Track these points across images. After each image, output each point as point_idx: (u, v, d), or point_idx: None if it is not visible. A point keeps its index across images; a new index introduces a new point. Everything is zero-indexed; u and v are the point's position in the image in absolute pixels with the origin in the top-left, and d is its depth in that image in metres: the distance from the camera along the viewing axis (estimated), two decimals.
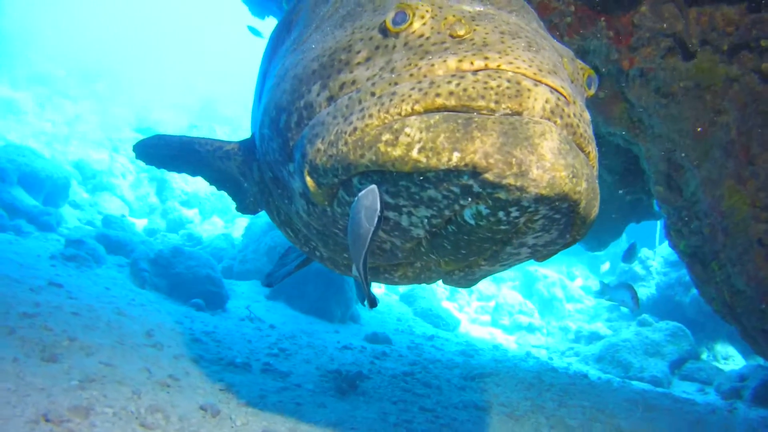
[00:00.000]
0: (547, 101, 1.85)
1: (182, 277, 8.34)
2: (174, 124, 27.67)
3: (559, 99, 1.88)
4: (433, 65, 1.96)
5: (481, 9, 2.23)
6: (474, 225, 2.04)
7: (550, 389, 6.88)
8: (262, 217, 12.52)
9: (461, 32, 2.03)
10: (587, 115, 2.09)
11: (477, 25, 2.06)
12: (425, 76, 1.93)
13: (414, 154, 1.82)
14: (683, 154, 5.33)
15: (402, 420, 4.39)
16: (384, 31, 2.21)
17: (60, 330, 4.46)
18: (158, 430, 3.29)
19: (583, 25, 4.84)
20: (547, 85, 1.88)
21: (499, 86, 1.81)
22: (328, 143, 2.07)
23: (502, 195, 1.82)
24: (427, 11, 2.16)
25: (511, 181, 1.77)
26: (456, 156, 1.77)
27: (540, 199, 1.83)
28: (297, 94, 2.40)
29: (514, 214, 1.92)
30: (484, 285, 17.58)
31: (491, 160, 1.75)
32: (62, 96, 27.67)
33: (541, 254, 2.39)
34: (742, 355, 12.41)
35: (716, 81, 4.78)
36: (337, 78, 2.23)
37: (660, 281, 14.07)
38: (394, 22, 2.17)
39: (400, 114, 1.90)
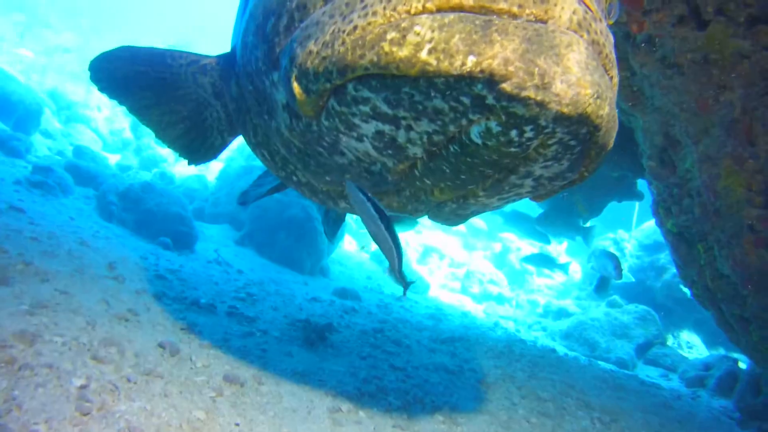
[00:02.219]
0: (574, 12, 1.67)
1: (151, 214, 8.05)
2: None
3: (586, 12, 1.71)
4: None
5: None
6: (480, 145, 1.87)
7: (519, 359, 6.78)
8: (237, 160, 12.20)
9: None
10: (612, 38, 1.90)
11: None
12: None
13: (423, 55, 1.63)
14: (682, 129, 5.16)
15: (372, 376, 4.21)
16: None
17: (16, 253, 4.19)
18: (111, 365, 3.05)
19: None
20: None
21: None
22: (323, 44, 1.86)
23: (518, 110, 1.66)
24: None
25: (531, 93, 1.60)
26: (471, 60, 1.59)
27: (560, 119, 1.67)
28: None
29: (528, 134, 1.76)
30: (456, 251, 17.51)
31: (511, 68, 1.57)
32: (43, 26, 26.80)
33: (544, 189, 2.25)
34: (706, 345, 12.54)
35: (726, 55, 4.58)
36: None
37: (633, 264, 14.06)
38: None
39: (409, 12, 1.69)
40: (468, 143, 1.89)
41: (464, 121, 1.81)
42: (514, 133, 1.77)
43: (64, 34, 27.37)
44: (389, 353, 5.08)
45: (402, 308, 9.16)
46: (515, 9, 1.62)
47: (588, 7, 1.73)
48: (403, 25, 1.67)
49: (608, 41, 1.80)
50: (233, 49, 3.01)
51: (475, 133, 1.84)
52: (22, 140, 10.36)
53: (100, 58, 3.33)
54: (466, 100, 1.71)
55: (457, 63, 1.60)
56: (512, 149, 1.85)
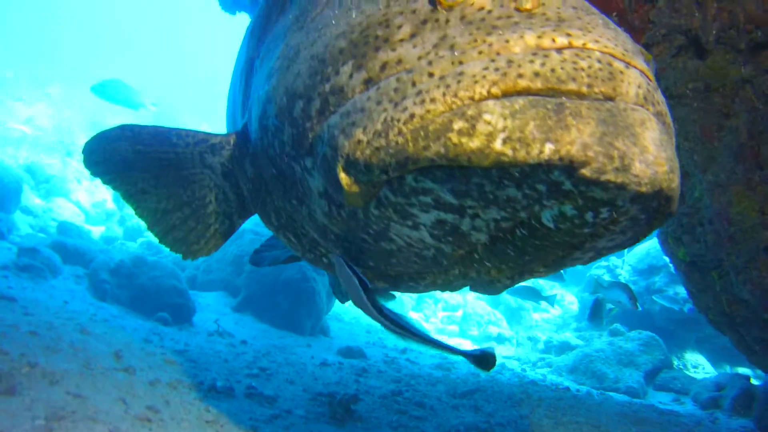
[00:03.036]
0: (639, 86, 1.60)
1: (146, 289, 7.81)
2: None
3: (648, 84, 1.65)
4: (507, 41, 1.66)
5: None
6: (552, 228, 1.78)
7: (539, 405, 6.66)
8: None
9: (528, 5, 1.76)
10: (666, 104, 1.83)
11: None
12: (498, 54, 1.65)
13: (497, 145, 1.53)
14: (689, 159, 5.11)
15: None
16: (433, 3, 1.89)
17: (18, 354, 3.95)
18: None
19: None
20: (636, 67, 1.63)
21: (590, 67, 1.56)
22: (374, 133, 1.76)
23: (597, 193, 1.57)
24: None
25: (611, 177, 1.51)
26: (549, 148, 1.50)
27: (637, 197, 1.59)
28: (319, 77, 2.06)
29: (604, 215, 1.68)
30: (450, 294, 17.33)
31: (590, 153, 1.49)
32: (14, 98, 26.58)
33: (599, 257, 2.13)
34: (711, 363, 12.45)
35: (727, 82, 4.56)
36: (376, 57, 1.90)
37: None
38: None
39: (472, 98, 1.59)
40: (538, 227, 1.80)
41: (537, 207, 1.72)
42: (589, 215, 1.68)
43: (36, 105, 27.17)
44: (417, 418, 4.90)
45: (408, 361, 8.98)
46: (584, 89, 1.55)
47: (648, 77, 1.67)
48: (469, 113, 1.58)
49: (667, 109, 1.74)
50: (244, 127, 2.86)
51: (547, 217, 1.75)
52: (3, 220, 10.10)
53: (98, 138, 3.10)
54: (541, 187, 1.63)
55: (534, 151, 1.51)
56: (585, 230, 1.76)
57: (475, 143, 1.55)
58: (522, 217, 1.79)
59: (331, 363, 7.22)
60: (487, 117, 1.55)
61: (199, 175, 3.11)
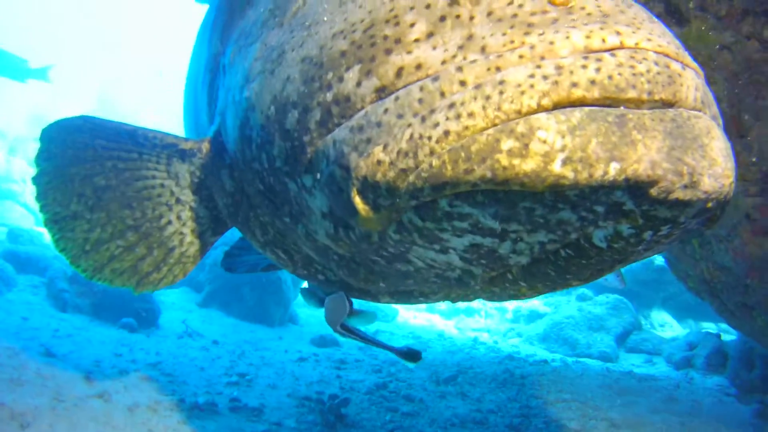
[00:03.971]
0: (697, 88, 1.44)
1: (107, 295, 7.41)
2: None
3: (702, 83, 1.49)
4: (552, 43, 1.44)
5: None
6: (603, 248, 1.57)
7: (524, 384, 6.60)
8: None
9: None
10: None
11: None
12: (543, 58, 1.42)
13: (556, 167, 1.33)
14: None
15: None
16: None
17: None
18: None
19: None
20: (690, 67, 1.47)
21: (648, 71, 1.38)
22: (398, 153, 1.52)
23: (661, 212, 1.42)
24: None
25: (679, 194, 1.36)
26: (615, 168, 1.32)
27: (702, 212, 1.45)
28: (318, 84, 1.79)
29: (664, 232, 1.50)
30: None
31: (659, 171, 1.33)
32: None
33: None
34: (677, 320, 12.68)
35: (706, 50, 4.43)
36: (388, 61, 1.64)
37: None
38: None
39: (519, 112, 1.38)
40: (587, 247, 1.60)
41: (590, 228, 1.52)
42: (648, 234, 1.50)
43: None
44: (410, 415, 4.75)
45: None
46: (645, 96, 1.36)
47: (700, 76, 1.50)
48: (519, 129, 1.35)
49: (717, 107, 1.58)
50: (217, 135, 2.54)
51: (599, 237, 1.55)
52: None
53: (58, 126, 2.73)
54: (599, 209, 1.43)
55: (598, 173, 1.32)
56: (639, 248, 1.57)
57: (529, 165, 1.34)
58: (571, 239, 1.59)
59: (307, 356, 7.03)
60: (541, 135, 1.33)
61: (158, 189, 2.74)
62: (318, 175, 1.84)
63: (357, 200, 1.66)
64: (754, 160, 4.70)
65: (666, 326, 12.63)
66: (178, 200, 2.73)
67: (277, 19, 2.21)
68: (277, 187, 2.09)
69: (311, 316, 10.58)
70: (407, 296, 2.32)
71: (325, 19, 1.92)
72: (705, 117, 1.42)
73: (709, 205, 1.41)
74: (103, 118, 2.76)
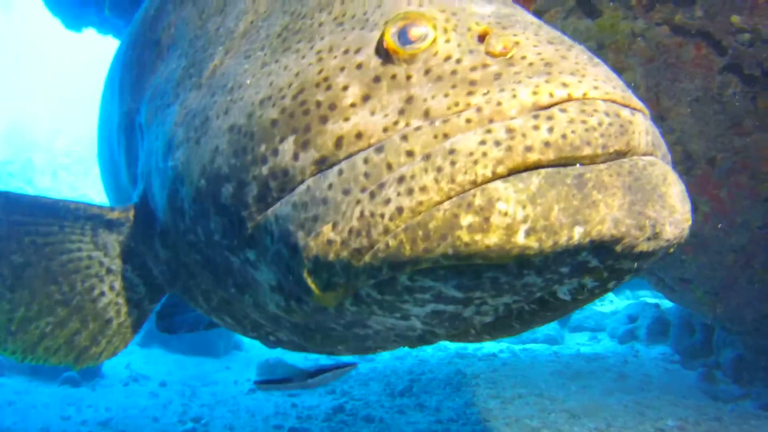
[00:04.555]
0: (647, 132, 1.41)
1: None
2: None
3: (651, 125, 1.46)
4: (500, 104, 1.37)
5: (494, 9, 1.65)
6: (568, 300, 1.54)
7: (478, 384, 6.60)
8: None
9: (499, 47, 1.49)
10: None
11: (514, 35, 1.51)
12: (492, 120, 1.36)
13: (519, 239, 1.27)
14: None
15: None
16: (385, 55, 1.55)
17: None
18: None
19: None
20: (637, 110, 1.43)
21: (600, 124, 1.33)
22: (349, 232, 1.43)
23: (625, 264, 1.39)
24: (446, 20, 1.56)
25: (644, 247, 1.34)
26: (579, 232, 1.28)
27: (663, 257, 1.45)
28: (250, 157, 1.67)
29: (626, 279, 1.47)
30: None
31: (622, 228, 1.30)
32: None
33: None
34: (615, 294, 12.96)
35: (618, 38, 4.52)
36: (325, 130, 1.54)
37: None
38: (402, 41, 1.53)
39: (474, 182, 1.31)
40: (552, 301, 1.56)
41: (555, 286, 1.47)
42: (612, 284, 1.48)
43: None
44: None
45: (327, 358, 8.73)
46: (600, 151, 1.32)
47: (645, 115, 1.46)
48: (477, 203, 1.29)
49: (663, 141, 1.55)
50: (144, 201, 2.37)
51: (563, 291, 1.52)
52: None
53: None
54: (564, 269, 1.38)
55: (563, 239, 1.27)
56: (602, 295, 1.56)
57: (492, 240, 1.28)
58: (535, 297, 1.55)
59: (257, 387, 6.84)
60: (501, 207, 1.27)
61: (85, 261, 2.54)
62: (262, 250, 1.73)
63: (309, 280, 1.56)
64: (675, 140, 4.81)
65: (605, 300, 12.90)
66: (109, 270, 2.55)
67: (194, 79, 2.09)
68: (218, 259, 1.96)
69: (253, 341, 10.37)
70: (365, 350, 2.22)
71: (248, 82, 1.80)
72: (659, 163, 1.40)
73: (671, 250, 1.41)
74: (17, 192, 2.56)
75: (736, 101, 4.56)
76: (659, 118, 4.73)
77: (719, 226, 5.00)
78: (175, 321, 3.44)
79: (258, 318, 2.13)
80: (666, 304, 9.52)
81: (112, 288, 2.57)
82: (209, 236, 1.89)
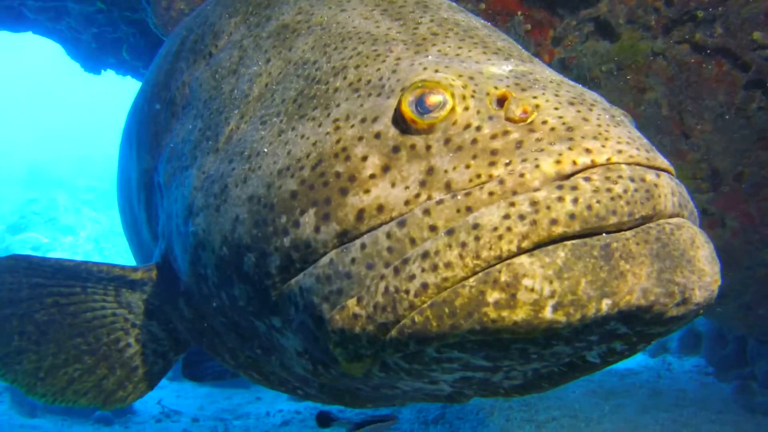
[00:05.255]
0: (673, 193, 1.40)
1: None
2: (7, 201, 24.90)
3: (677, 184, 1.45)
4: (522, 175, 1.36)
5: (512, 68, 1.65)
6: (598, 363, 1.56)
7: (511, 406, 6.53)
8: None
9: (519, 113, 1.46)
10: None
11: (534, 98, 1.49)
12: (515, 193, 1.35)
13: (547, 314, 1.27)
14: None
15: None
16: (403, 124, 1.54)
17: None
18: None
19: (494, 21, 4.36)
20: (662, 169, 1.43)
21: (626, 191, 1.32)
22: (374, 306, 1.43)
23: (655, 330, 1.39)
24: (464, 86, 1.53)
25: (673, 312, 1.33)
26: (607, 304, 1.27)
27: (693, 318, 1.44)
28: (271, 229, 1.67)
29: (655, 339, 1.48)
30: None
31: (652, 297, 1.29)
32: None
33: None
34: None
35: (638, 58, 4.50)
36: (346, 203, 1.54)
37: None
38: (419, 110, 1.51)
39: (500, 257, 1.30)
40: (580, 364, 1.57)
41: (585, 353, 1.48)
42: (641, 346, 1.48)
43: None
44: None
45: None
46: (626, 219, 1.31)
47: (671, 175, 1.45)
48: (503, 279, 1.28)
49: (690, 198, 1.54)
50: (165, 261, 2.38)
51: (592, 356, 1.52)
52: None
53: None
54: (593, 338, 1.38)
55: (591, 312, 1.27)
56: (631, 356, 1.57)
57: (519, 315, 1.27)
58: (565, 363, 1.56)
59: (290, 418, 6.91)
60: (527, 283, 1.27)
61: (109, 318, 2.60)
62: (287, 318, 1.73)
63: (336, 351, 1.56)
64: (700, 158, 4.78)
65: None
66: (133, 325, 2.60)
67: (211, 143, 2.08)
68: (243, 323, 1.97)
69: None
70: (392, 404, 2.24)
71: (266, 150, 1.80)
72: (687, 224, 1.39)
73: (701, 312, 1.40)
74: (39, 256, 2.60)
75: (761, 115, 4.52)
76: (683, 136, 4.70)
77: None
78: (202, 369, 3.46)
79: (286, 376, 2.15)
80: None
81: (137, 340, 2.61)
82: (233, 302, 1.90)
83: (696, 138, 4.63)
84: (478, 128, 1.47)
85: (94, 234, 22.99)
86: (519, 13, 4.23)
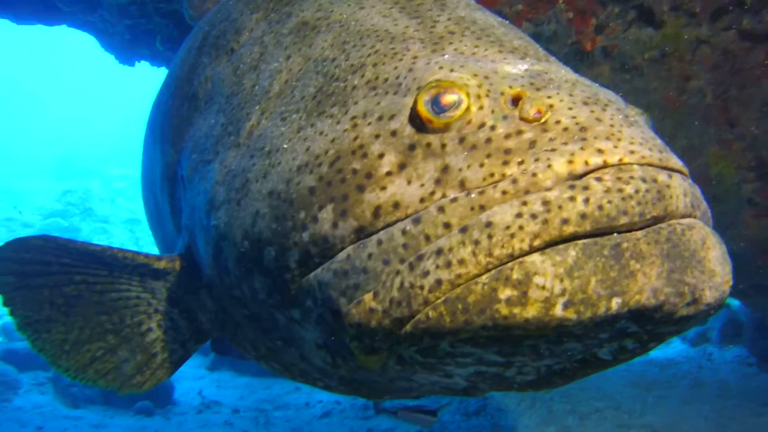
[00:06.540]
0: (685, 194, 1.41)
1: None
2: (42, 193, 25.32)
3: (690, 184, 1.46)
4: (535, 175, 1.39)
5: (527, 67, 1.67)
6: (609, 360, 1.59)
7: (552, 397, 6.51)
8: None
9: (533, 112, 1.49)
10: None
11: (548, 97, 1.52)
12: (528, 192, 1.38)
13: (558, 312, 1.31)
14: (656, 129, 4.96)
15: None
16: (419, 123, 1.57)
17: None
18: None
19: (535, 9, 4.32)
20: (674, 170, 1.43)
21: (637, 192, 1.34)
22: (390, 301, 1.47)
23: (665, 329, 1.42)
24: (478, 86, 1.56)
25: (683, 311, 1.36)
26: (617, 302, 1.30)
27: (704, 319, 1.48)
28: (291, 224, 1.71)
29: (666, 338, 1.51)
30: None
31: (661, 297, 1.32)
32: None
33: None
34: None
35: (681, 45, 4.42)
36: (362, 199, 1.57)
37: None
38: (435, 109, 1.54)
39: (512, 255, 1.33)
40: (593, 360, 1.60)
41: (596, 350, 1.52)
42: (653, 344, 1.51)
43: None
44: None
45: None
46: (637, 219, 1.32)
47: (684, 175, 1.45)
48: (515, 276, 1.31)
49: (703, 197, 1.54)
50: (189, 253, 2.42)
51: (604, 353, 1.55)
52: None
53: (14, 246, 2.56)
54: (605, 336, 1.42)
55: (601, 310, 1.30)
56: (642, 354, 1.58)
57: (530, 313, 1.31)
58: (578, 359, 1.59)
59: (330, 408, 6.91)
60: (539, 281, 1.30)
61: (134, 300, 2.63)
62: (306, 311, 1.77)
63: (353, 345, 1.60)
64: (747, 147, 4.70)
65: None
66: (156, 310, 2.64)
67: (232, 138, 2.12)
68: (264, 315, 2.01)
69: None
70: (410, 396, 2.26)
71: (285, 146, 1.83)
72: (698, 225, 1.40)
73: (712, 312, 1.42)
74: (66, 238, 2.61)
75: None
76: (728, 125, 4.61)
77: None
78: (228, 344, 3.51)
79: (305, 368, 2.18)
80: (736, 302, 9.27)
81: (159, 326, 2.64)
82: (254, 294, 1.93)
83: (742, 127, 4.55)
84: (493, 127, 1.50)
85: (129, 221, 23.34)
86: (561, 0, 4.18)
